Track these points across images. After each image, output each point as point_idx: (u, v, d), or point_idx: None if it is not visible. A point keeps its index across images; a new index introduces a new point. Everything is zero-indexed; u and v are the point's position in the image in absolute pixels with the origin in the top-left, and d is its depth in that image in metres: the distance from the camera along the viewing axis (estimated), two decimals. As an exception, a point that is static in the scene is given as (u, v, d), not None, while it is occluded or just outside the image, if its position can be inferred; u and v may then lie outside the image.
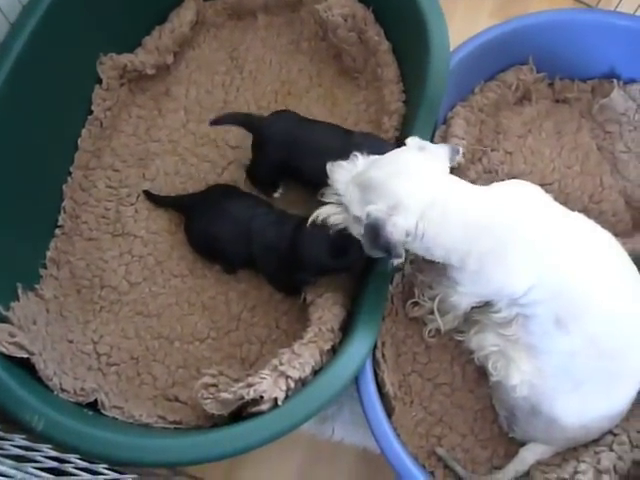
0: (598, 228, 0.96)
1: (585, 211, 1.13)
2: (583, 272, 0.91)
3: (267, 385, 0.89)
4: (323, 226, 1.02)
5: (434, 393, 1.11)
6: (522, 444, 1.04)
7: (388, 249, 0.89)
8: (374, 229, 0.89)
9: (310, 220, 0.96)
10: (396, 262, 0.94)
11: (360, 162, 0.95)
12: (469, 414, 1.09)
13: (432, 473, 1.06)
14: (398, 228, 0.88)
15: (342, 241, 0.99)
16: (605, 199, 1.21)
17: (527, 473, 1.03)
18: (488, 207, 0.91)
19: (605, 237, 0.95)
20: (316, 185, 0.99)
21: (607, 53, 1.22)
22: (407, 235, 0.90)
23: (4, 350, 0.91)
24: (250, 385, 0.89)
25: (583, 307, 0.91)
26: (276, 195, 1.20)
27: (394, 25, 1.22)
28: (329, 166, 0.96)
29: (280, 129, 1.12)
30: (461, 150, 0.98)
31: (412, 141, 0.95)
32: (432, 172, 0.92)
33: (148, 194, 1.21)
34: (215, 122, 1.16)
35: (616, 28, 1.19)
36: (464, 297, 1.01)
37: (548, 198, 0.96)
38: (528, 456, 1.02)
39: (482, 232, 0.90)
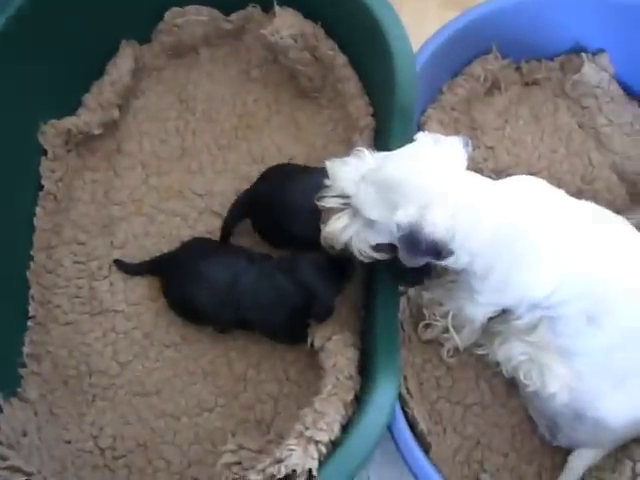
0: (611, 214, 0.91)
1: (579, 193, 1.09)
2: (609, 264, 0.86)
3: (297, 457, 0.80)
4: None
5: (465, 415, 1.04)
6: (568, 451, 0.98)
7: (436, 251, 0.79)
8: (412, 236, 0.79)
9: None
10: (452, 264, 0.84)
11: (370, 158, 0.85)
12: (506, 430, 1.03)
13: (482, 502, 1.00)
14: (438, 226, 0.79)
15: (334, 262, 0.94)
16: (597, 177, 1.16)
17: (581, 482, 0.97)
18: (515, 207, 0.84)
19: (620, 223, 0.90)
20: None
21: (571, 27, 1.17)
22: (448, 232, 0.80)
23: (-2, 479, 0.82)
24: (279, 461, 0.81)
25: (615, 300, 0.86)
26: None
27: (347, 36, 1.15)
28: (329, 163, 0.86)
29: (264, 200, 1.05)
30: (470, 141, 0.90)
31: (424, 135, 0.86)
32: (456, 168, 0.84)
33: (119, 264, 1.12)
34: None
35: (578, -1, 1.14)
36: (480, 308, 0.95)
37: (556, 191, 0.90)
38: (578, 464, 0.96)
39: (513, 235, 0.83)
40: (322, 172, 0.88)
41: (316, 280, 0.96)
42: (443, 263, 0.86)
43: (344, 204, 0.86)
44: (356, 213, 0.85)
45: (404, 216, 0.80)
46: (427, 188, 0.80)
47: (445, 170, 0.83)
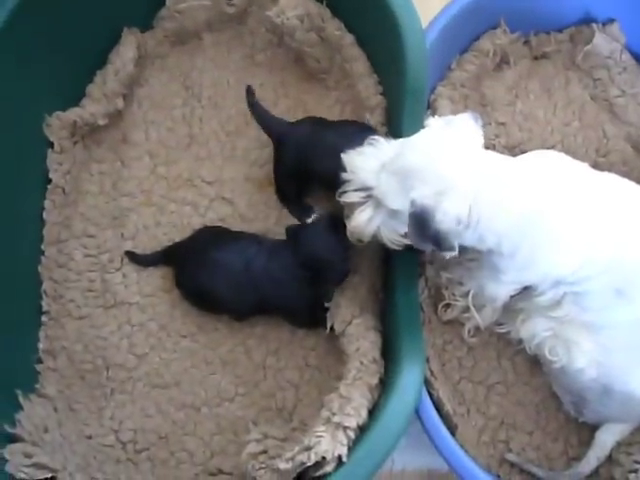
0: (633, 185, 0.89)
1: (595, 167, 1.06)
2: (635, 236, 0.84)
3: (326, 444, 0.79)
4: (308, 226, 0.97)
5: (489, 395, 1.03)
6: (594, 428, 0.97)
7: (438, 240, 0.79)
8: (421, 218, 0.78)
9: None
10: (448, 255, 0.83)
11: (387, 146, 0.83)
12: (530, 408, 1.02)
13: (509, 481, 0.99)
14: (449, 216, 0.78)
15: (335, 224, 0.93)
16: (612, 150, 1.14)
17: (609, 457, 0.96)
18: (539, 184, 0.83)
19: None
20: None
21: (580, -4, 1.14)
22: (458, 223, 0.79)
23: (24, 476, 0.80)
24: (308, 448, 0.79)
25: None
26: (310, 221, 1.07)
27: (354, 15, 1.12)
28: (346, 156, 0.84)
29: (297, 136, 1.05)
30: (479, 117, 0.88)
31: (435, 120, 0.85)
32: (475, 148, 0.82)
33: (131, 255, 1.10)
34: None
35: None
36: (503, 286, 0.93)
37: (579, 164, 0.88)
38: (607, 439, 0.95)
39: (539, 214, 0.82)
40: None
41: (322, 250, 0.94)
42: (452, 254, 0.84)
43: (366, 196, 0.85)
44: (379, 204, 0.84)
45: (419, 196, 0.79)
46: (445, 176, 0.79)
47: (463, 154, 0.82)
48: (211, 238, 1.06)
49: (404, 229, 0.83)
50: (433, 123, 0.85)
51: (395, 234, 0.85)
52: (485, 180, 0.81)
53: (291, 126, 1.07)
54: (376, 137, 0.86)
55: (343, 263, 0.95)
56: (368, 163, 0.83)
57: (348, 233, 0.88)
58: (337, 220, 0.93)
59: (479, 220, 0.81)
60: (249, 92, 1.10)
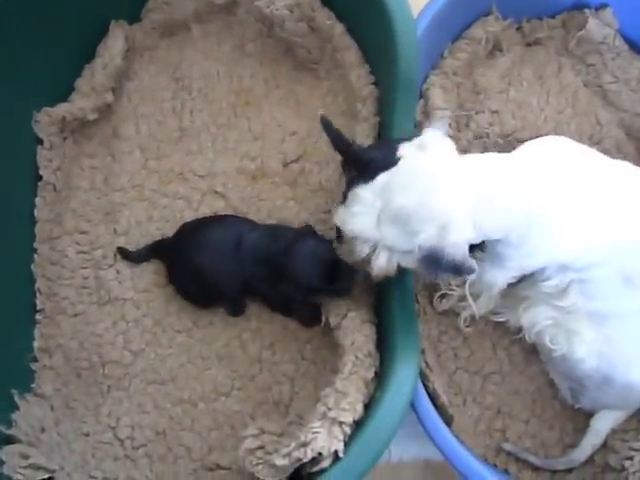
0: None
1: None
2: None
3: (323, 439, 0.79)
4: (321, 247, 0.95)
5: (485, 385, 1.03)
6: (589, 415, 0.98)
7: (455, 270, 0.78)
8: (433, 259, 0.78)
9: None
10: (469, 278, 0.84)
11: (368, 196, 0.82)
12: (526, 397, 1.03)
13: (506, 470, 0.99)
14: (459, 246, 0.78)
15: (336, 266, 0.92)
16: (605, 136, 1.13)
17: (604, 444, 0.97)
18: (539, 176, 0.83)
19: None
20: None
21: (572, -18, 1.13)
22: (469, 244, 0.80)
23: (21, 478, 0.80)
24: (305, 444, 0.80)
25: None
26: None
27: (344, 4, 1.11)
28: (337, 218, 0.84)
29: None
30: (446, 121, 0.87)
31: (406, 148, 0.83)
32: (455, 167, 0.82)
33: (123, 252, 1.09)
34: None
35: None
36: (502, 273, 0.93)
37: (584, 148, 0.88)
38: (602, 426, 0.96)
39: (543, 204, 0.82)
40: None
41: (300, 265, 0.93)
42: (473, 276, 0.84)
43: (374, 244, 0.84)
44: (392, 250, 0.83)
45: (424, 240, 0.78)
46: (440, 209, 0.79)
47: (448, 176, 0.81)
48: (199, 223, 1.06)
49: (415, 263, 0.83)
50: (406, 152, 0.83)
51: (415, 263, 0.84)
52: (478, 190, 0.81)
53: None
54: (354, 191, 0.84)
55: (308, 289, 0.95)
56: (364, 222, 0.82)
57: (373, 277, 0.86)
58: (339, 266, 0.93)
59: (481, 227, 0.81)
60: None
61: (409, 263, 0.84)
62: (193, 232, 1.04)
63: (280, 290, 0.96)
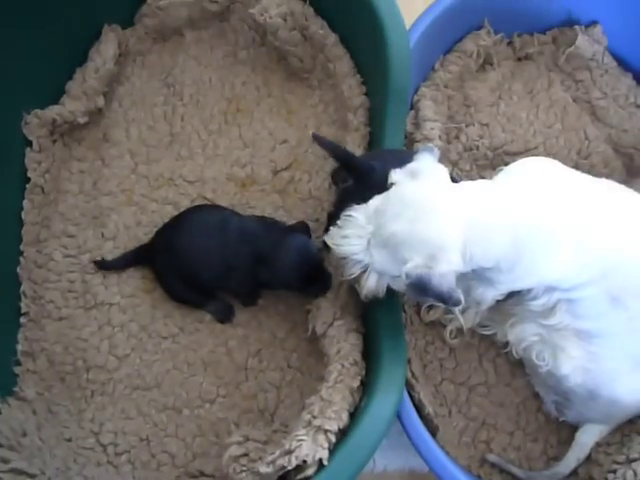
0: (625, 189, 0.89)
1: (576, 168, 1.07)
2: (631, 242, 0.84)
3: (307, 447, 0.79)
4: (310, 248, 0.97)
5: (470, 397, 1.04)
6: (574, 428, 0.98)
7: (443, 300, 0.78)
8: (420, 287, 0.78)
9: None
10: (457, 310, 0.85)
11: (363, 218, 0.82)
12: (511, 409, 1.03)
13: (489, 482, 0.99)
14: (447, 277, 0.77)
15: (318, 269, 0.96)
16: (593, 152, 1.14)
17: (588, 457, 0.97)
18: (526, 202, 0.83)
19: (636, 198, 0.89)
20: None
21: (563, -1, 1.15)
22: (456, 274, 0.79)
23: (1, 482, 0.79)
24: (289, 452, 0.79)
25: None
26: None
27: (338, 14, 1.12)
28: (329, 239, 0.84)
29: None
30: (436, 150, 0.88)
31: (397, 175, 0.83)
32: (446, 195, 0.81)
33: (100, 264, 1.08)
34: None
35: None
36: (490, 291, 0.93)
37: (566, 169, 0.88)
38: (587, 440, 0.96)
39: (531, 230, 0.82)
40: None
41: (283, 261, 0.95)
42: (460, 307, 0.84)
43: (365, 265, 0.84)
44: (382, 273, 0.84)
45: (412, 268, 0.78)
46: (430, 238, 0.79)
47: (439, 204, 0.81)
48: (187, 211, 1.07)
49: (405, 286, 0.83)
50: (398, 178, 0.83)
51: (404, 287, 0.84)
52: (468, 220, 0.80)
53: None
54: (349, 213, 0.84)
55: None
56: (356, 245, 0.82)
57: (363, 297, 0.87)
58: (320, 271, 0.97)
59: (471, 259, 0.80)
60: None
61: (398, 286, 0.85)
62: (176, 221, 1.05)
63: (256, 274, 0.97)
